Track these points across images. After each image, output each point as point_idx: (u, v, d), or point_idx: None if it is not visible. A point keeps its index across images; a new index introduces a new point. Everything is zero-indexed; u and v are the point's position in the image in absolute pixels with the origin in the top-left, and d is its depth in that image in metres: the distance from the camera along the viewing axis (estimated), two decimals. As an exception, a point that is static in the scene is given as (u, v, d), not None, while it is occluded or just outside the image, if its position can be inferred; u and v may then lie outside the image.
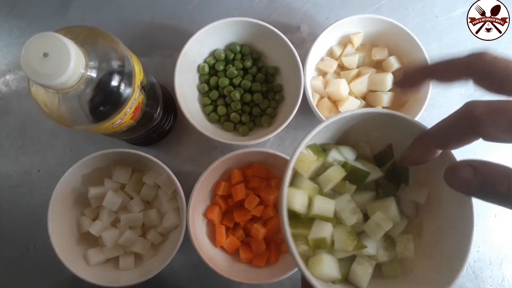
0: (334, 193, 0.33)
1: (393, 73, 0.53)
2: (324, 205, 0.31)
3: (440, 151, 0.29)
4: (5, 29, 0.58)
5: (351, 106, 0.52)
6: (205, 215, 0.51)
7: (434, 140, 0.28)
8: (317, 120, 0.52)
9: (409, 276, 0.32)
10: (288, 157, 0.46)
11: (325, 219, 0.31)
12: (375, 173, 0.33)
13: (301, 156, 0.30)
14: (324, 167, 0.32)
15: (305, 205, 0.31)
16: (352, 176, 0.32)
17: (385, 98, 0.52)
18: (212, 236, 0.51)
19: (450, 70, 0.27)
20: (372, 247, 0.32)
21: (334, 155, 0.32)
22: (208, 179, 0.49)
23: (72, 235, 0.49)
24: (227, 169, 0.52)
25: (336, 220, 0.32)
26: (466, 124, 0.25)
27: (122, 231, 0.49)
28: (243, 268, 0.48)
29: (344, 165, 0.32)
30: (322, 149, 0.33)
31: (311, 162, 0.31)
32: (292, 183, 0.32)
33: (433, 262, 0.32)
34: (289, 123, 0.48)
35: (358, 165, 0.32)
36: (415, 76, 0.30)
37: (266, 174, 0.52)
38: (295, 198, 0.30)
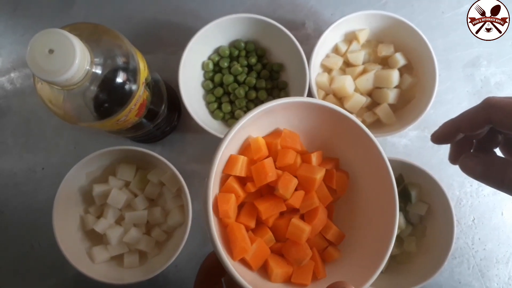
0: None
1: (399, 69, 0.53)
2: None
3: (461, 135, 0.33)
4: (9, 27, 0.58)
5: (357, 103, 0.52)
6: (215, 209, 0.30)
7: (457, 122, 0.33)
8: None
9: (413, 263, 0.50)
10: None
11: None
12: None
13: None
14: None
15: None
16: None
17: (391, 94, 0.52)
18: (226, 241, 0.30)
19: (471, 123, 0.32)
20: None
21: None
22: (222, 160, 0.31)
23: (76, 233, 0.48)
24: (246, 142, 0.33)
25: None
26: (483, 110, 0.30)
27: (126, 229, 0.48)
28: None
29: None
30: None
31: None
32: None
33: (429, 254, 0.49)
34: (294, 120, 0.48)
35: None
36: (447, 133, 0.34)
37: (301, 146, 0.35)
38: None
